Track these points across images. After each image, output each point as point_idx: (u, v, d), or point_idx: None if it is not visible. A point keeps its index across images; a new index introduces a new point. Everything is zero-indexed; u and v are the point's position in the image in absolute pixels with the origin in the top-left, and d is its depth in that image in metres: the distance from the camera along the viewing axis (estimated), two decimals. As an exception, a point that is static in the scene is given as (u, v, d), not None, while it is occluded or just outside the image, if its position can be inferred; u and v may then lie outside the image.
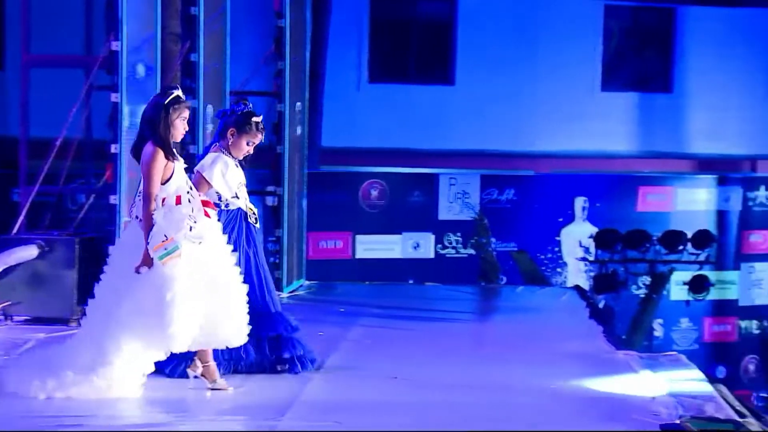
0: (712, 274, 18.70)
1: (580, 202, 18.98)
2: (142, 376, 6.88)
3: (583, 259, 18.67)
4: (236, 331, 7.04)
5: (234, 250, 7.21)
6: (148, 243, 6.68)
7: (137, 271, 6.69)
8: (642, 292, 18.41)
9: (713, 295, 18.80)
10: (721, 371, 19.18)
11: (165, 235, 6.67)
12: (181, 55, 10.75)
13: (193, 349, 7.00)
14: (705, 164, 19.29)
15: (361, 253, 18.05)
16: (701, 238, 18.00)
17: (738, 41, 19.22)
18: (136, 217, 6.82)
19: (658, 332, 19.18)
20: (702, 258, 18.07)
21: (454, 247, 18.59)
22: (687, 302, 18.57)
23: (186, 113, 6.89)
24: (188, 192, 6.86)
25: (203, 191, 7.34)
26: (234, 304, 7.00)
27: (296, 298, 12.42)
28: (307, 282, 13.57)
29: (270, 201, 12.40)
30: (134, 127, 9.78)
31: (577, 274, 18.82)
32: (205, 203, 6.99)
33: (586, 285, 17.50)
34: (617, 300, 18.21)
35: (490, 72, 18.23)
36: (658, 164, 19.03)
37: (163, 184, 6.76)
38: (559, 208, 18.89)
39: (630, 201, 19.08)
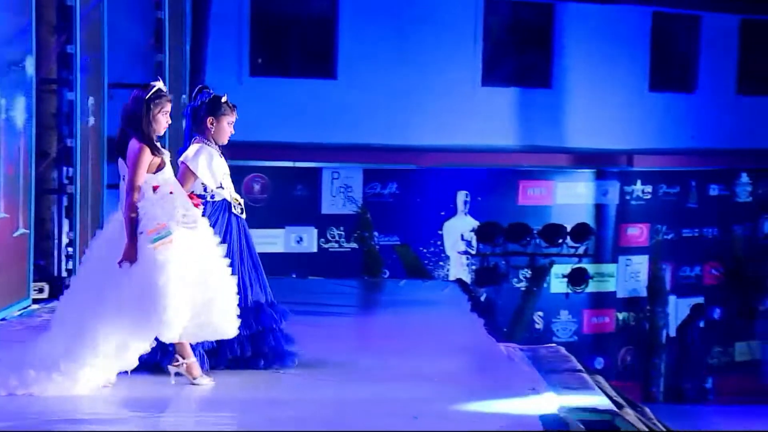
0: (590, 267, 19.00)
1: (462, 196, 19.13)
2: (116, 373, 6.80)
3: (465, 252, 18.82)
4: (227, 323, 6.95)
5: (222, 242, 7.17)
6: (129, 234, 6.62)
7: (120, 266, 6.62)
8: (523, 285, 18.64)
9: (592, 287, 19.10)
10: (599, 362, 19.49)
11: (157, 221, 6.65)
12: (57, 46, 10.54)
13: (183, 340, 6.91)
14: (583, 158, 19.56)
15: (244, 247, 17.91)
16: (580, 232, 18.28)
17: (615, 37, 19.52)
18: (120, 206, 6.81)
19: (539, 324, 19.43)
20: (581, 251, 18.36)
21: (337, 241, 18.58)
22: (566, 295, 18.85)
23: (168, 107, 6.87)
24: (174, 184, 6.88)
25: (189, 183, 7.33)
26: (224, 296, 6.92)
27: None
28: (189, 277, 13.41)
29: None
30: (10, 121, 9.59)
31: (459, 267, 18.96)
32: (189, 197, 6.98)
33: (468, 278, 17.65)
34: (498, 293, 18.41)
35: (373, 66, 18.24)
36: (538, 158, 19.25)
37: (155, 172, 6.75)
38: (441, 202, 19.01)
39: (511, 195, 19.28)
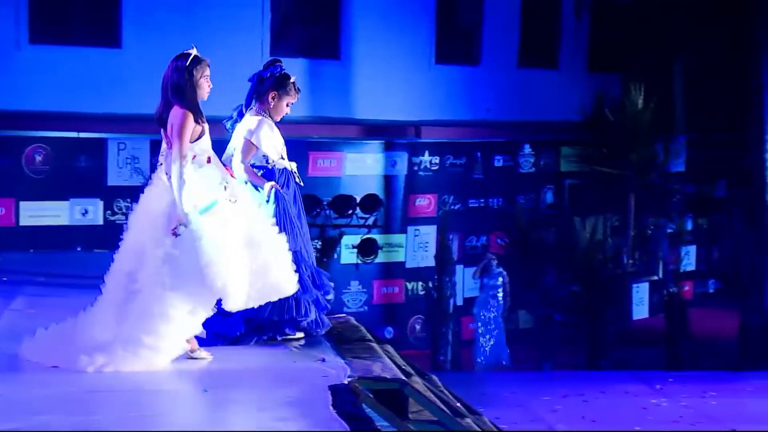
0: (380, 238, 19.19)
1: (251, 168, 18.99)
2: (186, 344, 6.89)
3: (255, 224, 18.71)
4: (287, 281, 7.11)
5: (286, 209, 7.47)
6: (179, 200, 6.69)
7: (174, 234, 6.68)
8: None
9: (382, 258, 19.30)
10: (389, 332, 19.73)
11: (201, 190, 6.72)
12: None
13: (250, 306, 7.01)
14: (372, 130, 19.69)
15: (26, 220, 17.41)
16: (369, 203, 18.44)
17: (402, 10, 19.68)
18: (166, 174, 6.82)
19: (330, 295, 19.49)
20: (370, 222, 18.53)
21: (124, 213, 18.19)
22: (356, 265, 18.99)
23: (208, 71, 6.98)
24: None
25: (250, 155, 7.43)
26: (277, 255, 7.03)
27: (-46, 268, 11.89)
28: (-34, 251, 13.01)
29: None
30: None
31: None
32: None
33: (257, 250, 17.54)
34: (289, 264, 18.37)
35: (158, 35, 17.85)
36: (328, 130, 19.27)
37: (193, 142, 6.81)
38: (230, 173, 18.84)
39: (300, 166, 19.12)
